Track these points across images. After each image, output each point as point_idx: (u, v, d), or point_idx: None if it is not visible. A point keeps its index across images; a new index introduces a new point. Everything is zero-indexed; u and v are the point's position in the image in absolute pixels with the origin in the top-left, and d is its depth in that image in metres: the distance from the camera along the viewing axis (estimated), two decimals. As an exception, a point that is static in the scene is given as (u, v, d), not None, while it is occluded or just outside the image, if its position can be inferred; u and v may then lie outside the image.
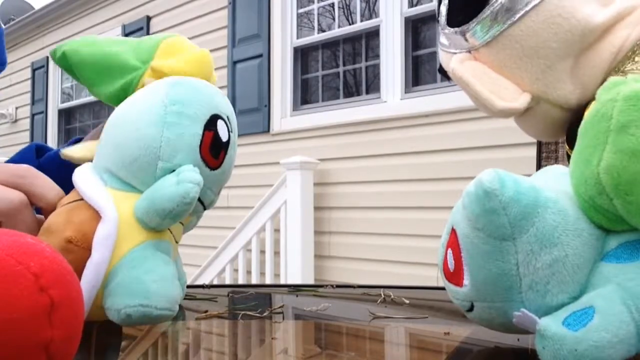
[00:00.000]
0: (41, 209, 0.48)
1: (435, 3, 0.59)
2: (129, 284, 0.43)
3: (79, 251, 0.44)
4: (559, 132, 0.51)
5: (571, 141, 0.38)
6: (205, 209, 0.52)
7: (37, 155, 0.65)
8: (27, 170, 0.47)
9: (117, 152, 0.48)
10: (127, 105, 0.50)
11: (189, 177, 0.45)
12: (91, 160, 0.53)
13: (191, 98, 0.49)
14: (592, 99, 0.45)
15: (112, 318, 0.43)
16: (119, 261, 0.44)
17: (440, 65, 0.52)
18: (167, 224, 0.46)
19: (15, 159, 0.65)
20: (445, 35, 0.50)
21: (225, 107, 0.51)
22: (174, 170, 0.47)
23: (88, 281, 0.43)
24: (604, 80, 0.46)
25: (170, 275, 0.45)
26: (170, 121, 0.47)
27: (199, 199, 0.50)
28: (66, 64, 0.60)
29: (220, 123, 0.50)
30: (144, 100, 0.49)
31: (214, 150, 0.49)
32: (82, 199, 0.46)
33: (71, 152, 0.54)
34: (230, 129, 0.51)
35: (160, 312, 0.43)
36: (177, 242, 0.51)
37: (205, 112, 0.49)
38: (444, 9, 0.50)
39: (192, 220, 0.54)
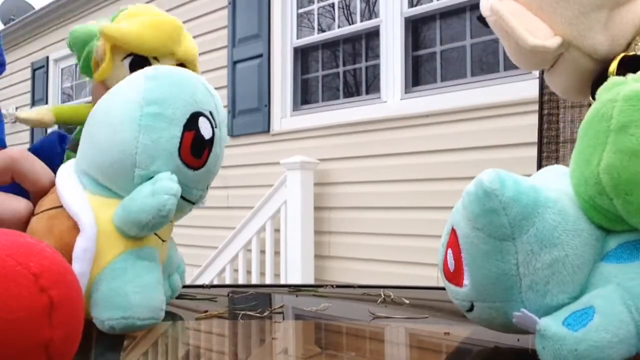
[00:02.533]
0: (31, 193, 0.47)
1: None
2: (111, 296, 0.43)
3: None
4: (586, 86, 0.53)
5: (595, 91, 0.40)
6: (194, 204, 0.51)
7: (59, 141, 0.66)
8: (20, 154, 0.46)
9: (94, 154, 0.46)
10: (105, 101, 0.48)
11: (165, 187, 0.43)
12: (45, 123, 0.53)
13: (169, 96, 0.45)
14: (620, 52, 0.48)
15: (99, 327, 0.44)
16: (101, 272, 0.44)
17: (480, 15, 0.54)
18: (146, 233, 0.45)
19: (38, 146, 0.66)
20: None
21: (207, 102, 0.48)
22: (152, 177, 0.45)
23: None
24: (634, 35, 0.48)
25: (153, 284, 0.45)
26: (145, 124, 0.44)
27: (186, 198, 0.49)
28: (69, 45, 0.61)
29: (202, 120, 0.46)
30: (120, 98, 0.47)
31: (195, 151, 0.46)
32: (62, 206, 0.45)
33: (25, 114, 0.54)
34: (214, 125, 0.48)
35: (144, 322, 0.43)
36: (164, 240, 0.50)
37: (184, 112, 0.45)
38: None
39: (181, 215, 0.53)
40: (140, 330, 0.44)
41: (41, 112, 0.57)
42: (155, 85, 0.46)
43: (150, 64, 0.57)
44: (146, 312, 0.43)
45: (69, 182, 0.47)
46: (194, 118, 0.46)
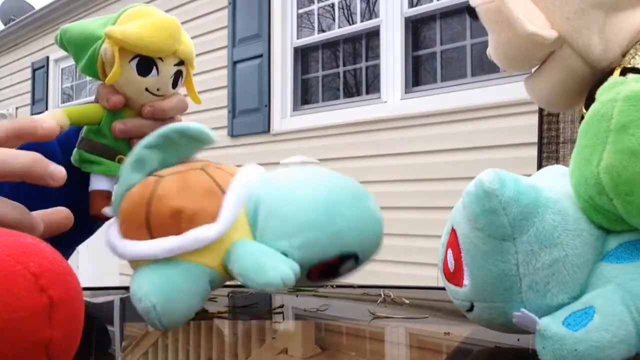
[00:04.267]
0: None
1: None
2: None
3: (182, 226, 0.46)
4: (573, 93, 0.52)
5: (590, 104, 0.40)
6: None
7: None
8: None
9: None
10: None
11: (284, 273, 0.45)
12: (61, 127, 0.54)
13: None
14: (614, 60, 0.47)
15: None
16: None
17: (468, 6, 0.53)
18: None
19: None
20: None
21: (358, 243, 0.48)
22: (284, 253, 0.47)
23: None
24: (628, 46, 0.47)
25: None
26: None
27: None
28: (61, 43, 0.61)
29: (349, 262, 0.48)
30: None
31: (323, 275, 0.49)
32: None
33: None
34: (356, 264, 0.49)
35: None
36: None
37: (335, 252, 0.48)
38: None
39: None
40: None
41: (55, 116, 0.57)
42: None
43: (156, 64, 0.57)
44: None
45: (242, 192, 0.49)
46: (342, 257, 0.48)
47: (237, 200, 0.48)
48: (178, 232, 0.46)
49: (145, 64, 0.57)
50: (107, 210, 0.55)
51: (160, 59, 0.57)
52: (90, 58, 0.58)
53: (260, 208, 0.49)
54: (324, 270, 0.48)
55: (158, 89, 0.58)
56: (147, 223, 0.46)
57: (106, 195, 0.60)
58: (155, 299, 0.43)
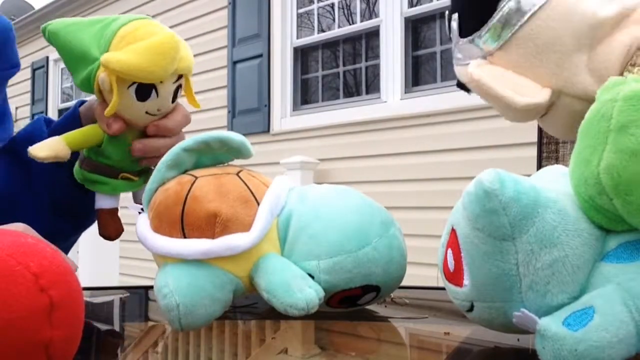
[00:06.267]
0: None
1: (440, 5, 0.59)
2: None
3: (216, 230, 0.47)
4: None
5: None
6: None
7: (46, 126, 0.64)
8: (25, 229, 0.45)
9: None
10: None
11: (309, 298, 0.46)
12: (62, 158, 0.54)
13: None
14: None
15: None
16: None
17: (458, 81, 0.53)
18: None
19: (28, 129, 0.64)
20: (459, 49, 0.51)
21: (382, 277, 0.50)
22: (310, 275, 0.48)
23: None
24: (621, 68, 0.47)
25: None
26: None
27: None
28: (55, 44, 0.60)
29: (370, 294, 0.51)
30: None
31: (343, 302, 0.50)
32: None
33: (35, 151, 0.55)
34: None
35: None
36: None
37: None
38: (454, 25, 0.51)
39: None
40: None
41: (54, 147, 0.55)
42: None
43: (155, 88, 0.55)
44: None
45: (277, 202, 0.50)
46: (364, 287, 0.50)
47: (271, 212, 0.48)
48: (211, 235, 0.46)
49: (145, 89, 0.55)
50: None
51: (161, 81, 0.55)
52: (86, 79, 0.56)
53: (291, 222, 0.49)
54: (344, 298, 0.49)
55: (158, 110, 0.57)
56: (181, 221, 0.47)
57: (113, 213, 0.60)
58: (180, 299, 0.44)
